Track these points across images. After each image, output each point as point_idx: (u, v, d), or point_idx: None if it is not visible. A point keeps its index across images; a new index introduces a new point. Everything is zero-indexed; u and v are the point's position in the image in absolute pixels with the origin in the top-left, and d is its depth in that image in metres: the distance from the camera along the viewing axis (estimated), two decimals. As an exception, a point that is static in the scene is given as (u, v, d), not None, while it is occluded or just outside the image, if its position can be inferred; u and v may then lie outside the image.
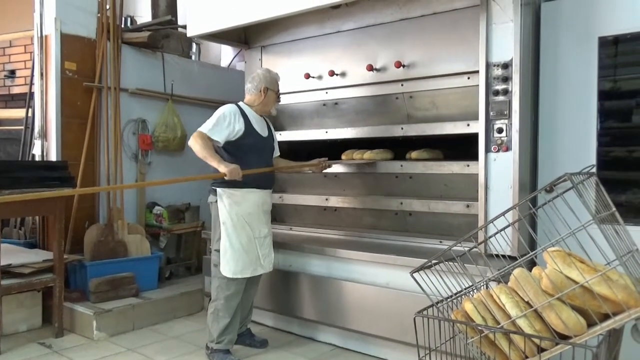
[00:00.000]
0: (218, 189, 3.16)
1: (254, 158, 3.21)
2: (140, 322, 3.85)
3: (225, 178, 2.99)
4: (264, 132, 3.31)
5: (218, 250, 3.16)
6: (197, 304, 4.27)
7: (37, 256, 3.75)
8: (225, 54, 6.05)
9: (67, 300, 3.76)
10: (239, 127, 3.14)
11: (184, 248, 4.87)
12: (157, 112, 4.77)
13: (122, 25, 4.67)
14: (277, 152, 3.53)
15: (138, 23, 5.13)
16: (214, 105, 5.11)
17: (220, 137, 3.10)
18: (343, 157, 3.75)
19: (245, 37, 4.24)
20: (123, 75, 4.52)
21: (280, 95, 3.44)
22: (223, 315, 3.15)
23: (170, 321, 4.01)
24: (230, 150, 3.16)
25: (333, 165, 3.60)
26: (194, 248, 4.87)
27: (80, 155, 4.26)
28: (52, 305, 3.64)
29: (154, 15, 5.28)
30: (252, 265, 3.19)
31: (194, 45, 5.59)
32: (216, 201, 3.17)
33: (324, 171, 3.70)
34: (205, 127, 3.12)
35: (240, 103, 3.29)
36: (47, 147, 4.21)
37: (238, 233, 3.14)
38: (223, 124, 3.11)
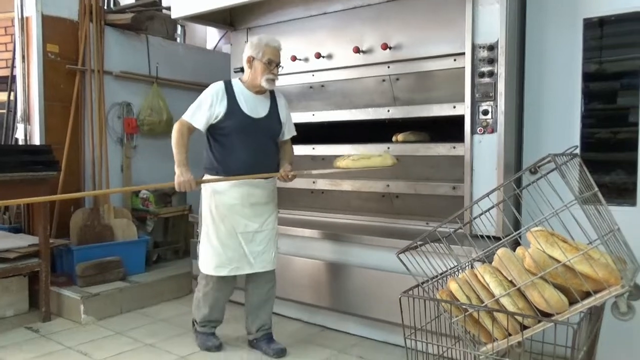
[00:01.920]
0: (205, 174, 2.98)
1: (239, 143, 2.89)
2: (128, 306, 3.85)
3: (176, 189, 2.79)
4: (257, 112, 2.94)
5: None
6: (185, 287, 4.27)
7: (22, 241, 3.72)
8: (211, 36, 5.98)
9: (54, 285, 3.74)
10: (220, 108, 2.86)
11: (171, 232, 4.86)
12: (142, 96, 4.72)
13: (105, 7, 4.59)
14: (284, 136, 3.12)
15: (121, 4, 5.04)
16: (200, 88, 5.04)
17: (200, 124, 2.86)
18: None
19: (230, 18, 4.20)
20: (107, 58, 4.45)
21: (273, 65, 2.91)
22: (204, 305, 3.07)
23: (159, 304, 4.01)
24: (213, 134, 2.93)
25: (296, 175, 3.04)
26: (181, 232, 4.85)
27: (64, 139, 4.20)
28: (38, 289, 3.62)
29: (138, -3, 5.20)
30: (233, 263, 2.93)
31: (179, 27, 5.52)
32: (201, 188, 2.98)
33: (312, 154, 3.70)
34: (187, 114, 2.89)
35: (235, 80, 3.01)
36: (30, 131, 4.15)
37: (217, 227, 2.92)
38: (204, 107, 2.86)
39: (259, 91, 2.97)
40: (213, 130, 2.92)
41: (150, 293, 4.02)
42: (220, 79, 3.18)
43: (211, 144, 2.96)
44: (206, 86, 2.98)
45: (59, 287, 3.76)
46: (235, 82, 2.98)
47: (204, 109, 2.86)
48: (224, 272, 2.94)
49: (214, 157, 2.96)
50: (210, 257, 2.94)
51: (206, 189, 2.95)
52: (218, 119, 2.87)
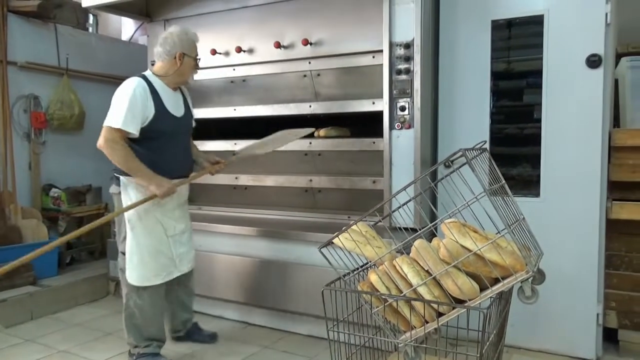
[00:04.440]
0: (122, 178, 2.65)
1: (168, 146, 2.70)
2: (39, 311, 3.64)
3: (159, 199, 2.60)
4: (178, 111, 2.78)
5: (124, 253, 2.73)
6: (101, 289, 4.10)
7: None
8: (127, 27, 5.74)
9: (-46, 292, 3.47)
10: (149, 109, 2.60)
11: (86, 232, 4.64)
12: (51, 88, 4.46)
13: (8, -7, 4.28)
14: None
15: (26, -10, 4.72)
16: (115, 81, 4.87)
17: (136, 129, 2.56)
18: None
19: (147, 9, 4.04)
20: (10, 47, 4.16)
21: (199, 61, 2.86)
22: (143, 322, 2.76)
23: (73, 308, 3.83)
24: (137, 138, 2.61)
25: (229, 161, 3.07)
26: (97, 232, 4.64)
27: (-38, 135, 3.90)
28: None
29: (44, -17, 4.88)
30: (165, 269, 2.76)
31: (91, 17, 5.25)
32: (119, 193, 2.69)
33: (233, 149, 3.65)
34: (116, 120, 2.51)
35: (148, 74, 2.73)
36: None
37: (148, 233, 2.69)
38: (136, 109, 2.54)
39: (176, 87, 2.83)
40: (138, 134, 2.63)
41: (64, 297, 3.83)
42: (137, 71, 3.02)
43: (132, 147, 2.62)
44: (122, 79, 2.75)
45: (-40, 295, 3.49)
46: (153, 79, 2.71)
47: (137, 112, 2.56)
48: (159, 280, 2.74)
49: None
50: (143, 266, 2.70)
51: (128, 193, 2.66)
52: (148, 121, 2.61)
